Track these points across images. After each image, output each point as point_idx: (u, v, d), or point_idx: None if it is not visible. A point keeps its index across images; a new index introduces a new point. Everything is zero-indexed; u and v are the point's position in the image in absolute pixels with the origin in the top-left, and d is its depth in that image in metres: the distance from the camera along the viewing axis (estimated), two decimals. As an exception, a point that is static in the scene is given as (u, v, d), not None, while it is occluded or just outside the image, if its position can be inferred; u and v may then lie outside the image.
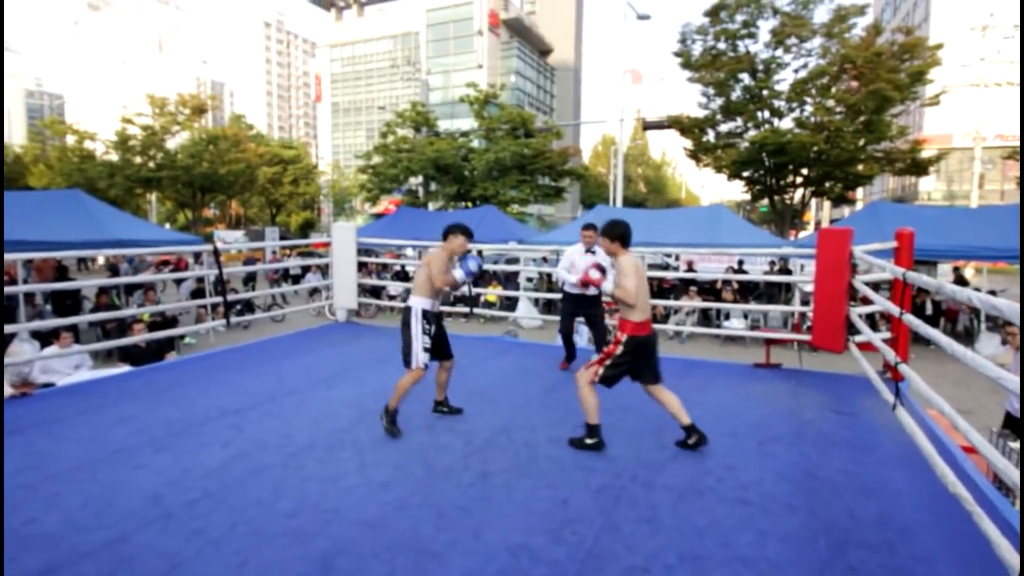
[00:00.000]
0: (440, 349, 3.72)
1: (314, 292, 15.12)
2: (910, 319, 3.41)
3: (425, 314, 3.57)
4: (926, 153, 20.02)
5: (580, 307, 5.07)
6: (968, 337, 11.12)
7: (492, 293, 12.10)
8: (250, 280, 17.38)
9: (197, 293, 12.90)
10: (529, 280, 15.89)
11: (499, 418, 3.78)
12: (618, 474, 2.99)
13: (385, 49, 65.32)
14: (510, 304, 13.76)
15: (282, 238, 34.28)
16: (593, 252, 4.92)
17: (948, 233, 10.10)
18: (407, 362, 3.54)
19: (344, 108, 70.21)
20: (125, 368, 5.95)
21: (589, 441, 3.27)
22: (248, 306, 12.93)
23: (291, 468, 2.96)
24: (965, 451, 3.17)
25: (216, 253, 5.72)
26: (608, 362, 3.25)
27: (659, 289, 14.00)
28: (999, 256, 10.14)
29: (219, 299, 6.10)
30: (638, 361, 3.29)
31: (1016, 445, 4.00)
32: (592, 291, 4.84)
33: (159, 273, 13.86)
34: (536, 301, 13.70)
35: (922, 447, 3.00)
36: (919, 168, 19.54)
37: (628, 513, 2.60)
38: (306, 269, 16.39)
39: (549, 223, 44.22)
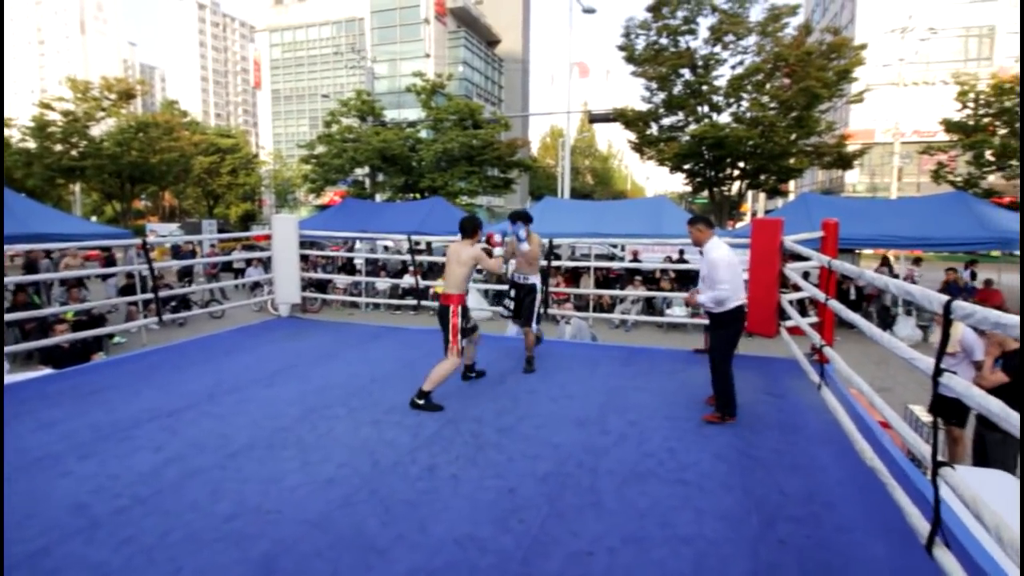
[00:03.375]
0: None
1: (255, 287, 14.59)
2: (834, 304, 3.62)
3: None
4: (851, 147, 21.17)
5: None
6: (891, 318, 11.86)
7: (441, 285, 11.98)
8: (186, 275, 16.61)
9: (127, 289, 12.23)
10: (479, 272, 15.86)
11: (446, 410, 3.78)
12: (563, 461, 3.05)
13: (328, 35, 63.30)
14: (459, 296, 13.70)
15: (221, 231, 32.84)
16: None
17: (870, 223, 10.75)
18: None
19: (285, 95, 67.72)
20: (46, 371, 5.58)
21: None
22: (184, 302, 12.36)
23: (230, 470, 2.87)
24: (882, 426, 3.40)
25: (145, 247, 5.42)
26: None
27: (605, 279, 14.29)
28: (915, 244, 10.88)
29: (150, 295, 5.81)
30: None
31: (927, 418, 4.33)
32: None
33: (83, 268, 13.03)
34: (486, 292, 13.70)
35: (844, 425, 3.20)
36: (845, 162, 20.66)
37: (573, 499, 2.66)
38: (248, 263, 15.78)
39: (499, 215, 44.22)
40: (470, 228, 4.15)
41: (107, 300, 9.58)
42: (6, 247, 5.59)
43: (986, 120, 17.23)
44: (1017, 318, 1.67)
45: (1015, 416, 1.67)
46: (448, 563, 2.15)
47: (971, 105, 17.47)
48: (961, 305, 1.87)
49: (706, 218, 3.88)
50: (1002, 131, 16.87)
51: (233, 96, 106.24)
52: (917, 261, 13.83)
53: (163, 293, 6.80)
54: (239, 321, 8.41)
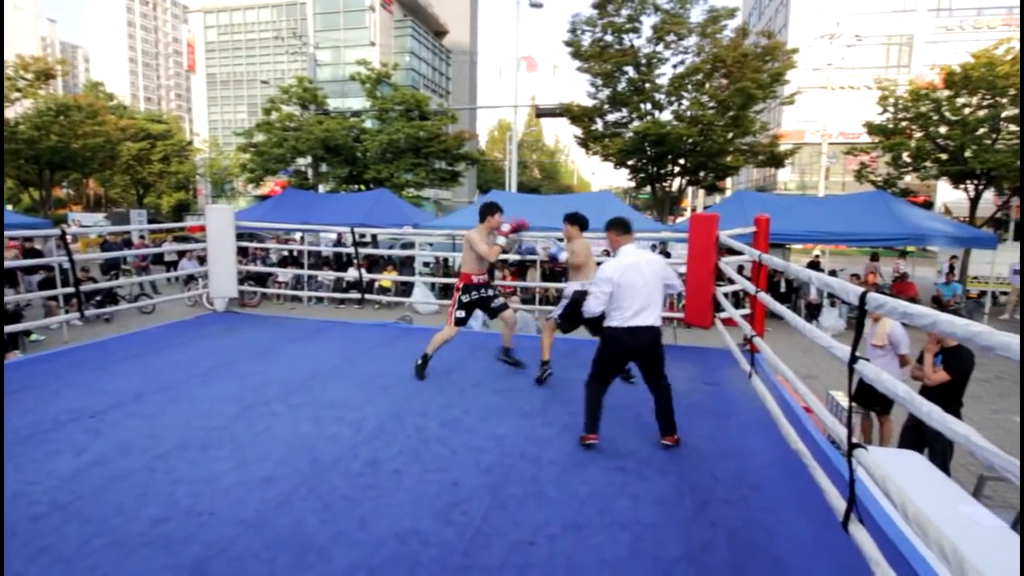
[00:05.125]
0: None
1: (189, 280, 13.94)
2: (763, 297, 3.81)
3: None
4: (783, 147, 22.19)
5: None
6: (817, 309, 12.56)
7: (387, 278, 11.82)
8: (112, 268, 15.65)
9: (47, 283, 11.42)
10: (425, 265, 15.72)
11: (390, 405, 3.74)
12: (507, 452, 3.08)
13: (267, 19, 60.77)
14: (405, 289, 13.56)
15: (152, 221, 31.11)
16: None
17: (799, 219, 11.33)
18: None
19: (222, 80, 64.67)
20: (-48, 372, 5.15)
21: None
22: (110, 297, 11.66)
23: (159, 471, 2.74)
24: (806, 412, 3.61)
25: (64, 238, 5.08)
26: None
27: (551, 272, 14.44)
28: (840, 239, 11.55)
29: (71, 289, 5.45)
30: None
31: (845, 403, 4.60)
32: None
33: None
34: (432, 286, 13.60)
35: (772, 411, 3.37)
36: (777, 161, 21.63)
37: (516, 489, 2.69)
38: (180, 255, 15.06)
39: (446, 207, 43.89)
40: (481, 212, 4.46)
41: (22, 295, 8.91)
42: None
43: (903, 124, 18.40)
44: (923, 308, 1.81)
45: (919, 400, 1.81)
46: (389, 558, 2.14)
47: (891, 109, 18.61)
48: (875, 297, 2.01)
49: (620, 221, 3.58)
50: (918, 134, 18.07)
51: (165, 80, 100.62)
52: (875, 257, 14.59)
53: (86, 287, 6.40)
54: (171, 316, 8.01)
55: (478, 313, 7.50)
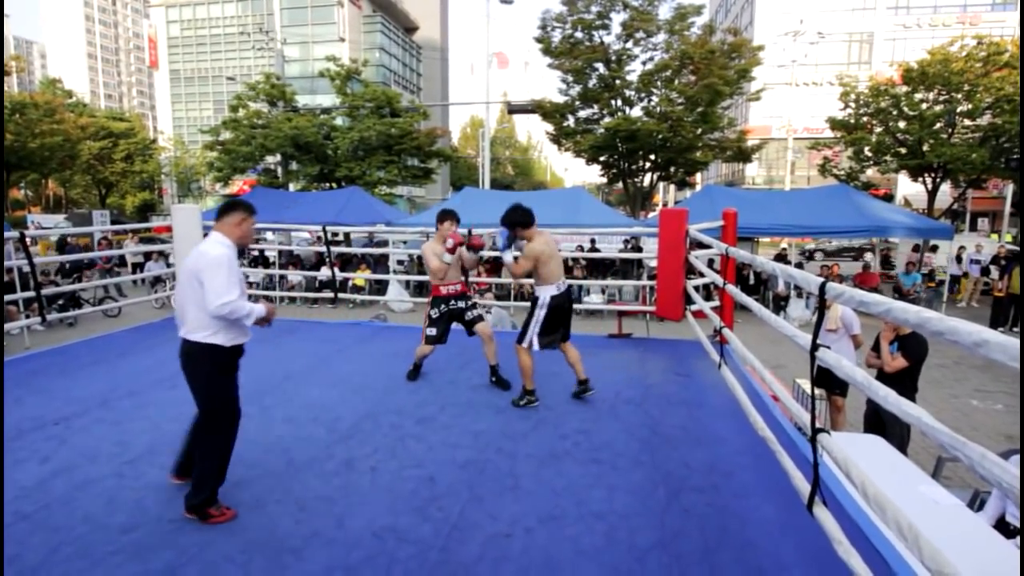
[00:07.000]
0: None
1: (156, 282, 13.59)
2: (731, 289, 3.90)
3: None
4: (750, 142, 22.62)
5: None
6: (785, 301, 12.86)
7: (360, 277, 11.70)
8: (75, 271, 15.14)
9: (6, 287, 11.00)
10: (399, 263, 15.61)
11: (365, 404, 3.73)
12: (483, 447, 3.10)
13: (232, 13, 59.33)
14: (379, 288, 13.45)
15: (115, 222, 30.19)
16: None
17: (766, 213, 11.58)
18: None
19: (186, 76, 62.92)
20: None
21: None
22: (73, 300, 11.30)
23: (127, 478, 2.69)
24: (773, 399, 3.71)
25: (23, 240, 4.92)
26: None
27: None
28: (805, 232, 11.85)
29: (32, 293, 5.28)
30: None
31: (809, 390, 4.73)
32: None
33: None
34: (407, 284, 13.51)
35: (741, 400, 3.45)
36: (744, 156, 22.06)
37: (492, 484, 2.72)
38: (146, 257, 14.65)
39: (420, 204, 43.57)
40: (436, 219, 4.14)
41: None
42: None
43: (864, 119, 18.91)
44: (877, 296, 1.89)
45: (876, 384, 1.88)
46: (366, 557, 2.14)
47: (852, 105, 19.11)
48: (833, 286, 2.08)
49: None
50: (878, 129, 18.61)
51: (126, 76, 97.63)
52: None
53: (48, 290, 6.21)
54: (138, 319, 7.81)
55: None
